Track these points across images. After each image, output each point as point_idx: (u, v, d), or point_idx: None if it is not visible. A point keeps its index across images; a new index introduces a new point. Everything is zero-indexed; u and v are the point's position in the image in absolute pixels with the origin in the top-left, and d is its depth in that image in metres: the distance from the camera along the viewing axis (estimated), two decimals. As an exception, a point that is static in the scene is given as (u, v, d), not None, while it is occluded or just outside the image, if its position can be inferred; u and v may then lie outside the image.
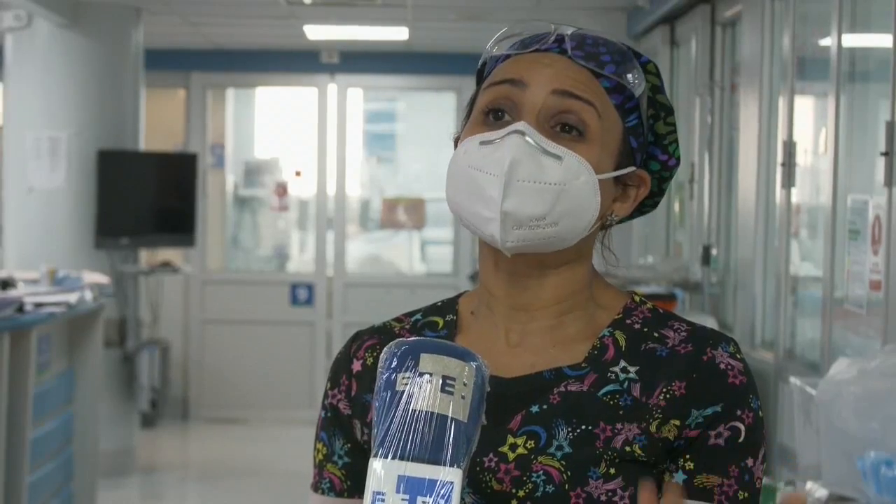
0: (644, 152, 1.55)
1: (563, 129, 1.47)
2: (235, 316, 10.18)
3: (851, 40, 4.39)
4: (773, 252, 5.31)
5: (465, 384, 1.29)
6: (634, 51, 1.54)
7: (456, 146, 1.54)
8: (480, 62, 1.57)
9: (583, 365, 1.49)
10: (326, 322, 10.26)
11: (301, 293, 10.25)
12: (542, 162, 1.44)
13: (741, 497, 1.45)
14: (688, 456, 1.45)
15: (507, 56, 1.53)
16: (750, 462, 1.46)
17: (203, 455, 9.04)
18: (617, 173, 1.50)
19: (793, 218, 5.11)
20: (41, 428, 5.65)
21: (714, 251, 6.34)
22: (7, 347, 5.20)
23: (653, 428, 1.45)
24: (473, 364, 1.31)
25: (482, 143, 1.46)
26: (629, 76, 1.50)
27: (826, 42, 4.58)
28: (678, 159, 1.58)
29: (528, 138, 1.44)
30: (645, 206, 1.59)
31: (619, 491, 1.43)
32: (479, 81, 1.56)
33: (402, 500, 1.26)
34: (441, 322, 1.58)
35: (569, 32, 1.52)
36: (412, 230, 10.64)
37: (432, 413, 1.28)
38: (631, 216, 1.58)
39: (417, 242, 10.77)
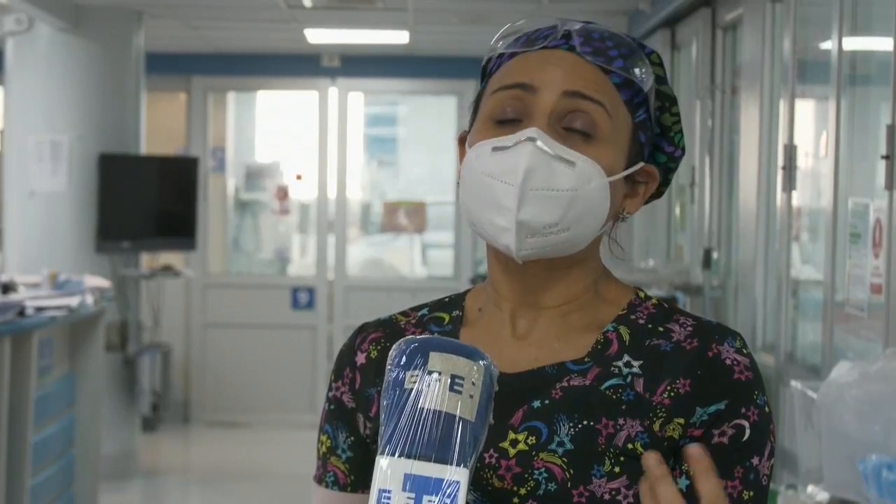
0: (651, 145, 1.54)
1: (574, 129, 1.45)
2: (236, 319, 10.18)
3: (852, 43, 4.39)
4: (773, 255, 5.31)
5: (473, 384, 1.29)
6: (639, 42, 1.53)
7: (460, 145, 1.52)
8: (486, 58, 1.55)
9: (585, 359, 1.48)
10: (327, 326, 10.26)
11: (302, 297, 10.25)
12: (554, 168, 1.42)
13: (746, 497, 1.43)
14: None
15: (514, 53, 1.51)
16: (755, 460, 1.44)
17: (204, 459, 9.04)
18: (627, 172, 1.49)
19: (793, 221, 5.11)
20: (42, 432, 5.65)
21: (715, 254, 6.34)
22: (8, 351, 5.20)
23: (656, 427, 1.43)
24: (482, 363, 1.31)
25: (495, 148, 1.44)
26: (637, 71, 1.49)
27: (827, 45, 4.58)
28: (683, 149, 1.57)
29: (540, 144, 1.42)
30: (651, 196, 1.57)
31: (622, 490, 1.41)
32: (484, 77, 1.55)
33: (408, 498, 1.25)
34: (447, 317, 1.57)
35: (576, 28, 1.51)
36: (413, 234, 10.63)
37: (440, 412, 1.27)
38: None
39: (418, 246, 10.76)
